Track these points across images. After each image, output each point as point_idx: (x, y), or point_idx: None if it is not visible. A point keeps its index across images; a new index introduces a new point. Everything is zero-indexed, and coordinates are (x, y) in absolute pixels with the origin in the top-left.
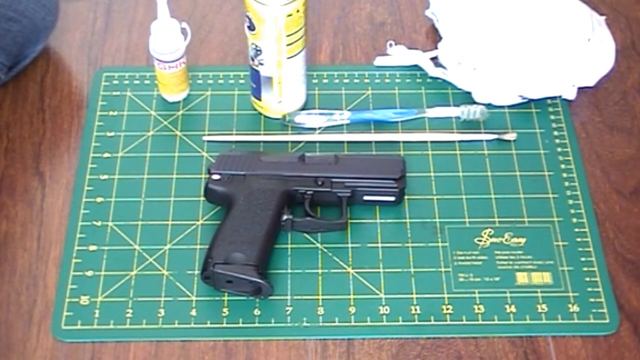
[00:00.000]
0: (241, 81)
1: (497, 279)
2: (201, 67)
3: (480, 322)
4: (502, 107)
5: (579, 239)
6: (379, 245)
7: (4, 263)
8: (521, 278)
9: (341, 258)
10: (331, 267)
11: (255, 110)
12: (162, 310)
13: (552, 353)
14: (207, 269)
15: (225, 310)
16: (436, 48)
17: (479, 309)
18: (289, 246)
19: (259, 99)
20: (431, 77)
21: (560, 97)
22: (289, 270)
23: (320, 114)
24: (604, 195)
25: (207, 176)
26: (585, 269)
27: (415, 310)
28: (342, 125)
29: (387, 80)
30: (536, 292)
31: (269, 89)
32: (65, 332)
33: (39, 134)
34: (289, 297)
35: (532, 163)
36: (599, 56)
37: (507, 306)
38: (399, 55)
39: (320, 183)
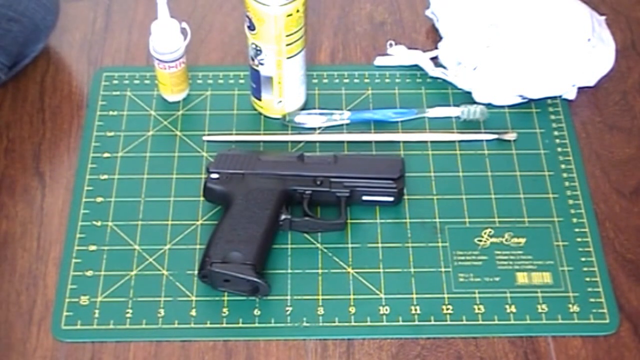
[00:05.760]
0: (241, 81)
1: (497, 279)
2: (201, 67)
3: (480, 322)
4: (502, 107)
5: (579, 239)
6: (379, 245)
7: (4, 263)
8: (521, 278)
9: (341, 258)
10: (331, 267)
11: (255, 110)
12: (162, 310)
13: (552, 353)
14: (204, 268)
15: (225, 310)
16: (436, 48)
17: (479, 309)
18: (289, 246)
19: (259, 99)
20: (431, 77)
21: (560, 97)
22: (289, 270)
23: (320, 114)
24: (604, 195)
25: (207, 175)
26: (585, 269)
27: (415, 310)
28: (342, 125)
29: (387, 80)
30: (536, 292)
31: (269, 89)
32: (65, 332)
33: (39, 134)
34: (288, 297)
35: (532, 163)
36: (599, 56)
37: (507, 306)
38: (399, 55)
39: (319, 183)
